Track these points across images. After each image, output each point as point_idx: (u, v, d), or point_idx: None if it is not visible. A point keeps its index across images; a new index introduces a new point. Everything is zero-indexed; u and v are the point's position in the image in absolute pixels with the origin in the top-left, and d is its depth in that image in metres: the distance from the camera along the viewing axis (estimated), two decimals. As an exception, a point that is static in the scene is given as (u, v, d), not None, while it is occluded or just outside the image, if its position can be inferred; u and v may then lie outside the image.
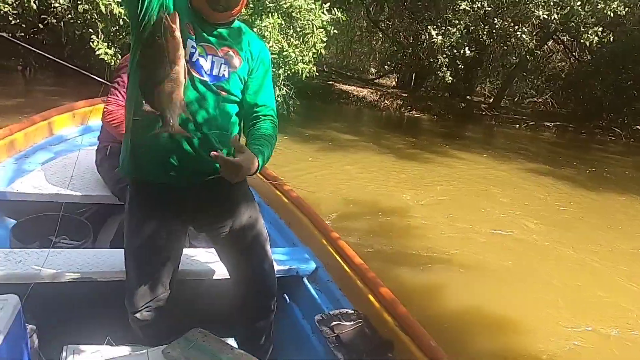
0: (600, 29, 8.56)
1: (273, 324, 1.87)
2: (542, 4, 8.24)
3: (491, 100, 14.65)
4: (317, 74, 6.64)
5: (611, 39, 8.59)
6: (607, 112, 13.52)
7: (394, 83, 16.94)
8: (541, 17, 8.05)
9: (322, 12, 5.79)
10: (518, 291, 3.89)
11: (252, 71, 1.54)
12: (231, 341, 1.69)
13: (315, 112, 10.52)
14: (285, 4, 5.34)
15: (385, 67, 17.50)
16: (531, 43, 9.13)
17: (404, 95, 13.93)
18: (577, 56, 14.86)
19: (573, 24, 8.89)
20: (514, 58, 11.70)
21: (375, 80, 16.89)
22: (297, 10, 5.48)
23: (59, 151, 3.02)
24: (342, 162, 6.89)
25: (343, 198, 5.39)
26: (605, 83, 13.41)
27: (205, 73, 1.46)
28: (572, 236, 5.21)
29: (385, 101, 13.10)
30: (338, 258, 2.26)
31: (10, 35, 7.31)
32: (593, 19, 8.65)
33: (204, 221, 1.65)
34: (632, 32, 11.66)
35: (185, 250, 1.80)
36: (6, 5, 5.28)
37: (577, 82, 14.26)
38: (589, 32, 8.49)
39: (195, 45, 1.45)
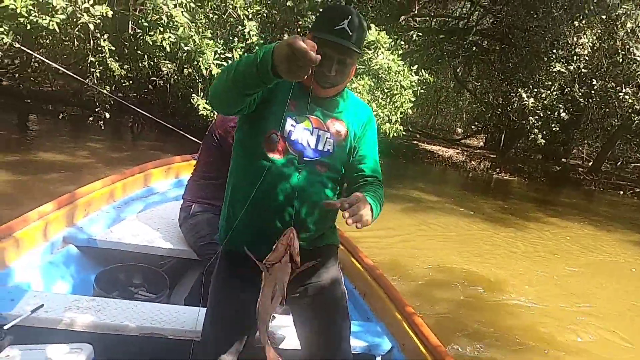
0: None
1: None
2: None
3: (590, 163, 13.67)
4: (404, 133, 6.60)
5: None
6: None
7: (481, 144, 16.49)
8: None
9: (411, 74, 5.83)
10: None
11: (359, 139, 1.53)
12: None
13: (399, 171, 10.41)
14: (375, 65, 5.45)
15: (472, 127, 17.14)
16: (636, 104, 8.47)
17: (492, 156, 13.45)
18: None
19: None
20: (616, 120, 10.92)
21: (461, 141, 16.55)
22: (387, 72, 5.56)
23: (150, 203, 3.15)
24: (426, 225, 6.64)
25: (426, 263, 5.13)
26: None
27: (309, 148, 1.45)
28: None
29: (472, 162, 12.70)
30: (416, 340, 2.06)
31: (124, 95, 8.15)
32: None
33: (290, 292, 1.55)
34: None
35: None
36: (122, 70, 5.91)
37: (692, 147, 12.95)
38: None
39: (295, 123, 1.45)
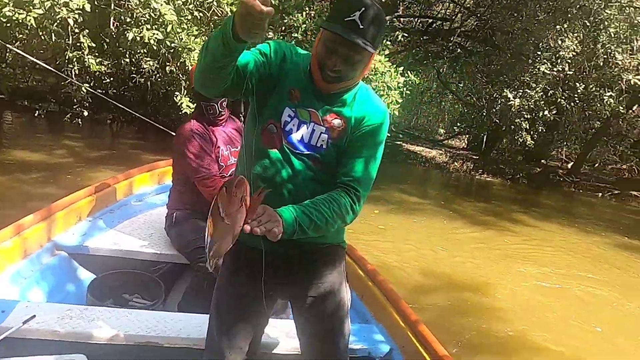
0: None
1: None
2: (631, 68, 7.82)
3: (569, 165, 13.89)
4: (389, 134, 6.57)
5: None
6: None
7: (463, 145, 16.62)
8: (632, 82, 7.60)
9: (398, 75, 5.80)
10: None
11: (355, 140, 1.42)
12: None
13: (382, 172, 10.32)
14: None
15: (455, 128, 17.27)
16: (619, 107, 8.61)
17: (474, 157, 13.55)
18: (666, 122, 13.88)
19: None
20: (597, 122, 11.09)
21: (444, 142, 16.66)
22: (373, 73, 5.51)
23: (138, 209, 3.12)
24: (410, 227, 6.63)
25: (411, 268, 5.10)
26: (700, 151, 12.36)
27: (302, 142, 1.39)
28: None
29: (455, 163, 12.78)
30: (415, 341, 2.06)
31: (103, 92, 7.96)
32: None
33: (289, 288, 1.59)
34: None
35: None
36: (102, 66, 5.74)
37: (668, 150, 13.26)
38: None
39: (293, 114, 1.39)
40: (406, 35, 8.64)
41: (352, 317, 2.36)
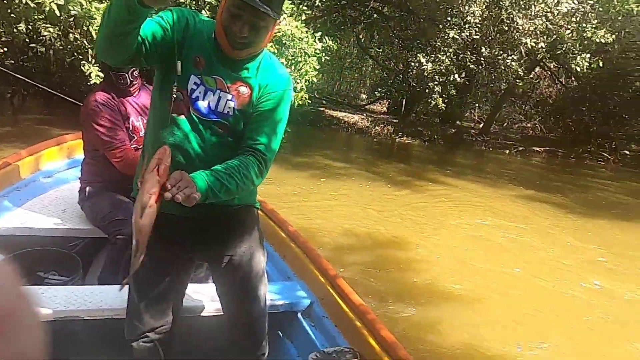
0: (589, 55, 8.74)
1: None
2: (530, 32, 8.40)
3: (481, 126, 14.79)
4: (310, 101, 6.64)
5: (600, 64, 8.75)
6: (594, 137, 13.68)
7: (384, 109, 17.07)
8: (529, 46, 8.18)
9: (315, 41, 5.83)
10: (513, 322, 3.80)
11: (260, 106, 1.47)
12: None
13: (306, 138, 10.51)
14: (278, 32, 5.36)
15: (376, 93, 17.66)
16: (519, 70, 9.26)
17: (394, 121, 14.01)
18: (563, 82, 15.12)
19: (561, 51, 9.06)
20: (503, 84, 11.85)
21: (366, 107, 17.01)
22: (290, 39, 5.49)
23: (48, 185, 2.98)
24: (334, 191, 6.82)
25: (336, 229, 5.30)
26: (592, 109, 13.62)
27: (209, 109, 1.42)
28: (567, 263, 5.16)
29: (376, 127, 13.16)
30: (334, 293, 2.21)
31: (-1, 63, 7.27)
32: (580, 47, 8.82)
33: (208, 252, 1.64)
34: (617, 59, 11.91)
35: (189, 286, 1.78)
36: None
37: (565, 108, 14.48)
38: (578, 59, 8.65)
39: (199, 82, 1.42)
40: (323, 0, 8.63)
41: (274, 276, 2.50)
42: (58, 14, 4.68)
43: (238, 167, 1.38)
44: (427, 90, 9.70)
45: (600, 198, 8.79)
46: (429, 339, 3.44)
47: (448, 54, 8.69)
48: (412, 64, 9.62)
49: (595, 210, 7.59)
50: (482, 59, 9.59)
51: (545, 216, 6.90)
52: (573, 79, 14.17)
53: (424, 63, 8.58)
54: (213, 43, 1.42)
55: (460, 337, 3.49)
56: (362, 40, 14.68)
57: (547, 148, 13.21)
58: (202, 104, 1.42)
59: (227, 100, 1.43)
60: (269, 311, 1.90)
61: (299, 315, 2.18)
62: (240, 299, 1.68)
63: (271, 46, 5.39)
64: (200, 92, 1.41)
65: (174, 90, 1.40)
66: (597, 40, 8.34)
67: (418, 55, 8.95)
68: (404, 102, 14.94)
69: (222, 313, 1.77)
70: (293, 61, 5.81)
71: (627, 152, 13.77)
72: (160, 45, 1.36)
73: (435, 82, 9.29)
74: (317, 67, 5.97)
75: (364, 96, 19.47)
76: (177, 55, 1.39)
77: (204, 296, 2.04)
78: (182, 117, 1.42)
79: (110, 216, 2.33)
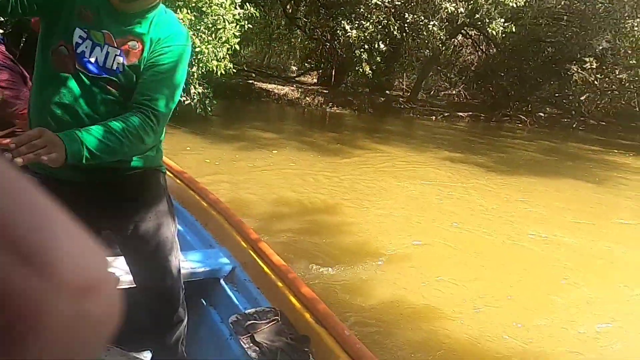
0: (503, 20, 9.14)
1: (186, 333, 1.78)
2: (449, -2, 8.65)
3: (409, 93, 15.17)
4: (234, 71, 6.47)
5: (513, 29, 9.17)
6: (513, 101, 14.46)
7: (315, 80, 17.01)
8: (449, 10, 8.41)
9: (234, 7, 5.64)
10: (434, 275, 3.99)
11: (150, 60, 1.38)
12: (147, 354, 1.58)
13: (236, 111, 10.30)
14: (195, -3, 5.13)
15: (306, 64, 17.53)
16: (441, 35, 9.53)
17: (325, 91, 14.02)
18: (484, 49, 15.76)
19: (478, 16, 9.40)
20: (428, 52, 12.16)
21: (296, 78, 16.86)
22: (207, 5, 5.27)
23: None
24: (266, 161, 6.77)
25: (269, 198, 5.27)
26: (510, 74, 14.35)
27: (96, 66, 1.32)
28: (501, 217, 5.51)
29: (307, 98, 13.11)
30: (256, 257, 2.20)
31: None
32: (496, 11, 9.19)
33: (112, 220, 1.55)
34: (530, 25, 12.55)
35: None
36: None
37: (486, 74, 15.15)
38: (493, 24, 9.01)
39: (85, 35, 1.31)
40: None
41: (196, 245, 2.44)
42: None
43: (122, 123, 1.28)
44: (354, 59, 9.75)
45: (519, 157, 9.37)
46: (356, 297, 3.53)
47: (372, 20, 8.74)
48: (338, 32, 9.60)
49: (515, 168, 8.09)
50: (405, 25, 9.75)
51: (472, 176, 7.27)
52: (493, 46, 14.82)
53: (349, 30, 8.59)
54: None
55: (388, 293, 3.62)
56: (289, 9, 14.44)
57: (471, 113, 13.81)
58: (89, 60, 1.32)
59: (116, 55, 1.34)
60: (190, 279, 1.85)
61: (221, 281, 2.16)
62: (151, 267, 1.62)
63: (187, 13, 5.16)
64: (86, 47, 1.32)
65: (57, 44, 1.31)
66: (511, 4, 8.72)
67: (343, 22, 8.94)
68: (333, 73, 14.97)
69: (134, 285, 1.69)
70: (213, 29, 5.60)
71: (542, 114, 14.72)
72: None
73: (362, 50, 9.36)
74: (238, 34, 5.79)
75: (294, 68, 19.25)
76: (62, 7, 1.29)
77: (117, 269, 1.96)
78: (67, 73, 1.32)
79: None
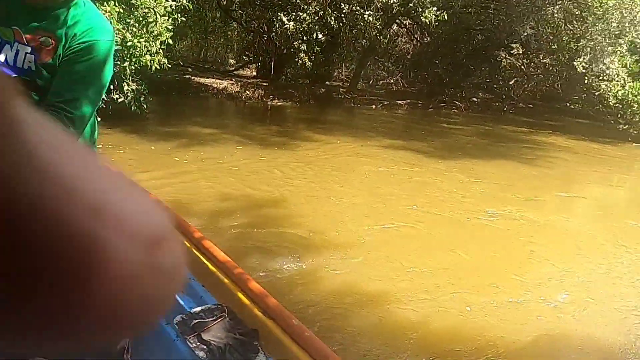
0: (435, 8, 9.41)
1: (130, 340, 1.72)
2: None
3: (348, 84, 15.31)
4: (169, 66, 6.25)
5: (445, 17, 9.46)
6: (448, 87, 14.96)
7: (254, 73, 16.80)
8: (383, 0, 8.55)
9: (165, -1, 5.45)
10: (382, 262, 4.08)
11: (65, 56, 1.28)
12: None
13: (173, 108, 9.99)
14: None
15: (244, 57, 17.26)
16: (377, 25, 9.67)
17: (265, 84, 13.88)
18: (418, 38, 16.17)
19: (411, 5, 9.62)
20: (365, 42, 12.31)
21: (235, 72, 16.57)
22: (136, -4, 5.05)
23: None
24: (207, 158, 6.62)
25: (212, 195, 5.17)
26: (444, 61, 14.82)
27: (6, 65, 1.23)
28: (454, 197, 5.73)
29: (247, 92, 12.92)
30: (199, 255, 2.14)
31: None
32: (428, 0, 9.45)
33: None
34: (461, 14, 13.00)
35: None
36: None
37: (421, 62, 15.57)
38: (426, 12, 9.26)
39: None
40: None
41: None
42: None
43: None
44: (292, 50, 9.71)
45: (458, 141, 9.73)
46: (310, 289, 3.55)
47: (308, 11, 8.73)
48: (275, 23, 9.52)
49: (456, 152, 8.41)
50: (342, 15, 9.82)
51: (418, 161, 7.49)
52: (427, 35, 15.23)
53: (286, 22, 8.54)
54: None
55: (340, 280, 3.65)
56: (224, 2, 14.13)
57: (409, 101, 14.16)
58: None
59: (26, 53, 1.26)
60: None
61: None
62: None
63: (115, 5, 4.91)
64: None
65: None
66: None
67: (279, 14, 8.86)
68: (272, 65, 14.84)
69: None
70: (144, 22, 5.37)
71: (475, 100, 15.34)
72: None
73: (300, 42, 9.34)
74: (171, 27, 5.60)
75: (232, 61, 18.91)
76: None
77: None
78: None
79: None
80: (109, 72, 1.36)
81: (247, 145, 7.62)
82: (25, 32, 1.25)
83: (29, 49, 1.26)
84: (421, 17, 9.42)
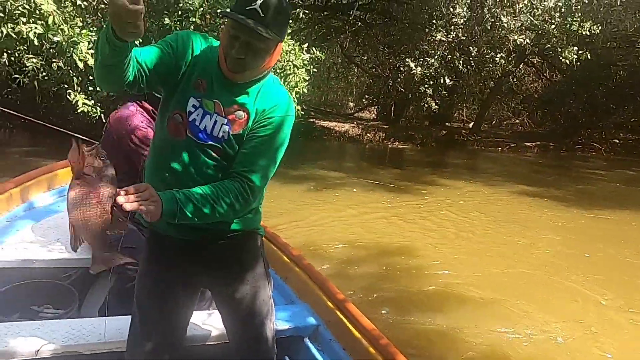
0: (576, 48, 8.81)
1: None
2: (515, 29, 8.46)
3: (470, 125, 14.85)
4: (302, 113, 6.57)
5: (589, 57, 8.81)
6: (584, 128, 13.79)
7: (373, 116, 17.10)
8: (517, 42, 8.24)
9: (302, 52, 5.77)
10: (532, 321, 3.71)
11: (253, 130, 1.41)
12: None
13: (299, 150, 10.43)
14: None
15: (364, 100, 17.70)
16: (510, 66, 9.32)
17: (385, 127, 14.02)
18: (548, 76, 15.25)
19: (549, 45, 9.13)
20: (491, 83, 11.93)
21: (354, 114, 17.02)
22: (277, 53, 5.43)
23: (39, 215, 2.85)
24: (334, 203, 6.73)
25: (341, 241, 5.19)
26: (579, 100, 13.74)
27: (204, 133, 1.39)
28: (581, 264, 5.11)
29: (368, 134, 13.14)
30: (340, 314, 2.11)
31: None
32: (566, 41, 8.89)
33: (211, 279, 1.59)
34: (601, 51, 12.03)
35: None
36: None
37: (552, 101, 14.60)
38: (566, 52, 8.71)
39: (197, 104, 1.40)
40: (307, 12, 8.63)
41: (277, 300, 2.38)
42: (37, 43, 4.58)
43: (218, 191, 1.35)
44: (417, 94, 9.70)
45: (601, 189, 8.79)
46: (449, 348, 3.34)
47: (436, 56, 8.70)
48: (401, 69, 9.62)
49: (602, 201, 7.57)
50: (470, 59, 9.63)
51: (558, 212, 6.84)
52: (557, 72, 14.31)
53: (413, 67, 8.59)
54: (217, 67, 1.40)
55: (483, 342, 3.39)
56: (346, 48, 14.74)
57: (539, 142, 13.29)
58: (198, 127, 1.40)
59: (223, 124, 1.40)
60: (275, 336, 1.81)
61: (306, 339, 2.10)
62: (247, 330, 1.62)
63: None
64: (197, 115, 1.39)
65: (173, 111, 1.40)
66: (584, 32, 8.41)
67: (406, 60, 8.96)
68: (393, 108, 14.98)
69: (227, 341, 1.71)
70: (282, 74, 5.74)
71: (617, 141, 13.89)
72: (160, 70, 1.35)
73: (426, 86, 9.31)
74: (307, 78, 5.91)
75: (351, 104, 19.49)
76: (181, 78, 1.38)
77: (208, 324, 1.96)
78: (179, 139, 1.40)
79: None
80: (285, 142, 1.47)
81: (372, 189, 7.64)
82: (224, 105, 1.40)
83: (225, 121, 1.39)
84: (559, 57, 8.85)
